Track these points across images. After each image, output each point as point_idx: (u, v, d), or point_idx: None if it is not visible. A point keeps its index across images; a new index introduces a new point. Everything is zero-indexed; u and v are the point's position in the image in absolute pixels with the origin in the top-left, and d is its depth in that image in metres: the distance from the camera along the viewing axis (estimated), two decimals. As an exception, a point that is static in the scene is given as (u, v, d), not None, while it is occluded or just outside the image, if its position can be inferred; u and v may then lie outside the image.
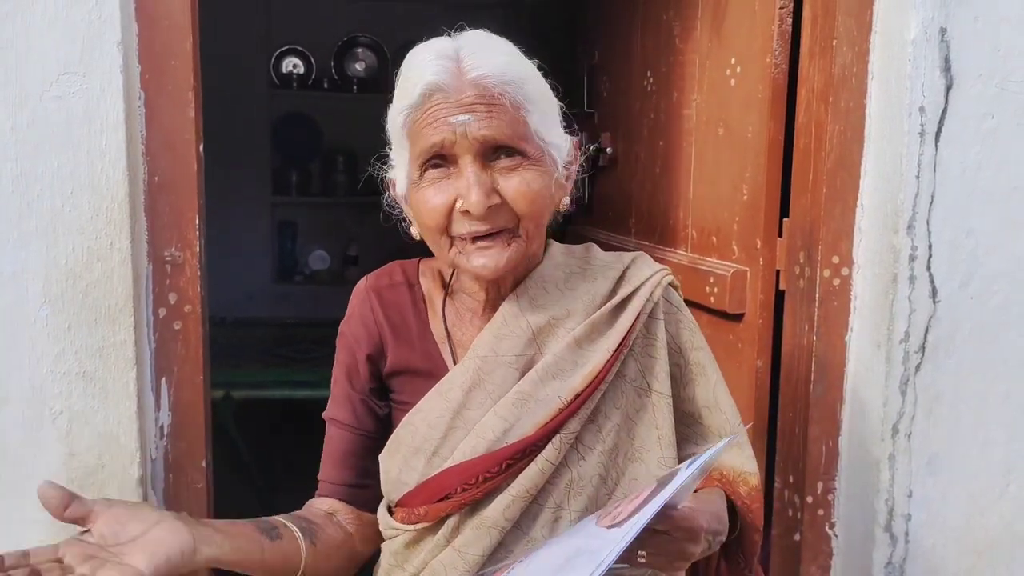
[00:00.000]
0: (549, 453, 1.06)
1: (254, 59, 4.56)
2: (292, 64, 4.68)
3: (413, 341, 1.16)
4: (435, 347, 1.16)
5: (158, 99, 1.41)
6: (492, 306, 1.14)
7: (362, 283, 1.21)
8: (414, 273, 1.21)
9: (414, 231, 1.14)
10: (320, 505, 1.20)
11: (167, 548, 0.91)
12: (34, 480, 1.40)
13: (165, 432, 1.47)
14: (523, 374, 1.09)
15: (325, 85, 4.67)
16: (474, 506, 1.07)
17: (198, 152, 1.44)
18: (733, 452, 1.19)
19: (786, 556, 1.68)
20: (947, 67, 1.47)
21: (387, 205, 1.18)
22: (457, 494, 1.06)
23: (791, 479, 1.67)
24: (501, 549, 1.07)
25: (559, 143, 1.09)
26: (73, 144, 1.35)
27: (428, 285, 1.20)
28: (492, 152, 1.03)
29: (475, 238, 1.04)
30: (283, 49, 4.66)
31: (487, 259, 1.04)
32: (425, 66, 1.04)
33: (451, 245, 1.06)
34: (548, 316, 1.11)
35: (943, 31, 1.46)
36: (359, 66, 4.76)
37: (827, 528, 1.64)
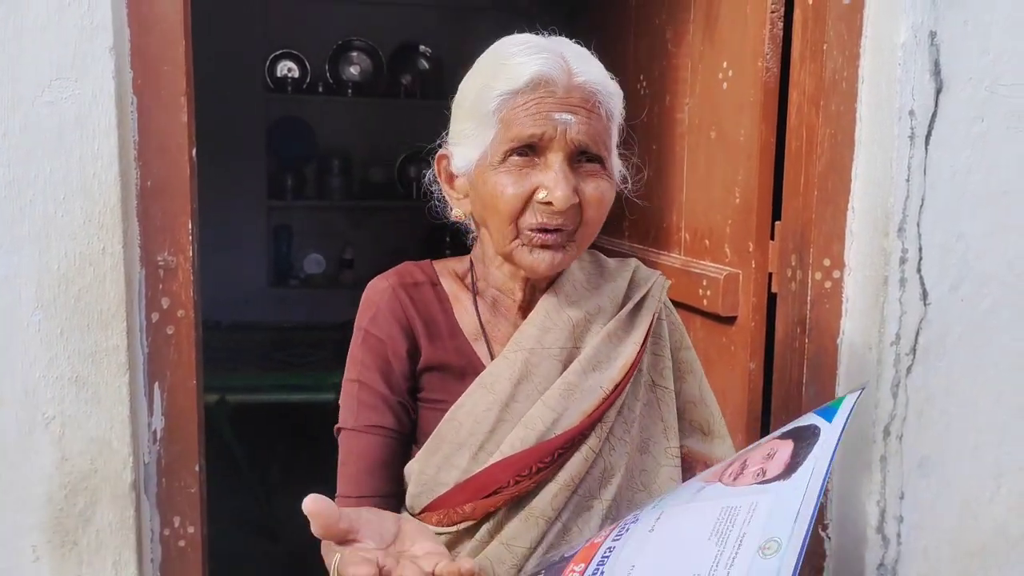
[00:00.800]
0: (592, 442, 1.09)
1: (249, 63, 4.57)
2: (287, 68, 4.69)
3: (444, 338, 1.15)
4: (467, 344, 1.15)
5: (151, 104, 1.41)
6: (527, 304, 1.16)
7: (381, 282, 1.17)
8: (432, 273, 1.20)
9: (456, 212, 1.15)
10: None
11: (426, 538, 0.88)
12: (27, 485, 1.41)
13: (158, 437, 1.47)
14: (565, 366, 1.11)
15: (320, 89, 4.68)
16: (520, 499, 1.07)
17: (191, 157, 1.44)
18: (716, 443, 1.23)
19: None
20: (937, 71, 1.48)
21: (428, 181, 1.19)
22: (509, 487, 1.06)
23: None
24: (542, 541, 1.08)
25: (617, 164, 1.15)
26: (65, 149, 1.35)
27: (449, 285, 1.19)
28: (578, 155, 1.06)
29: (543, 230, 1.05)
30: (278, 53, 4.67)
31: (546, 256, 1.06)
32: (533, 56, 1.05)
33: (515, 236, 1.07)
34: (584, 312, 1.15)
35: (933, 35, 1.47)
36: (354, 69, 4.77)
37: (820, 530, 1.65)
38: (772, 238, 1.66)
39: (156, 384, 1.46)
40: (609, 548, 0.93)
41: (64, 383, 1.39)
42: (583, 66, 1.06)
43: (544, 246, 1.06)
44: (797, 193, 1.62)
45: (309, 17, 4.65)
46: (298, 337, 4.08)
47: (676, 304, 1.90)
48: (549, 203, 1.03)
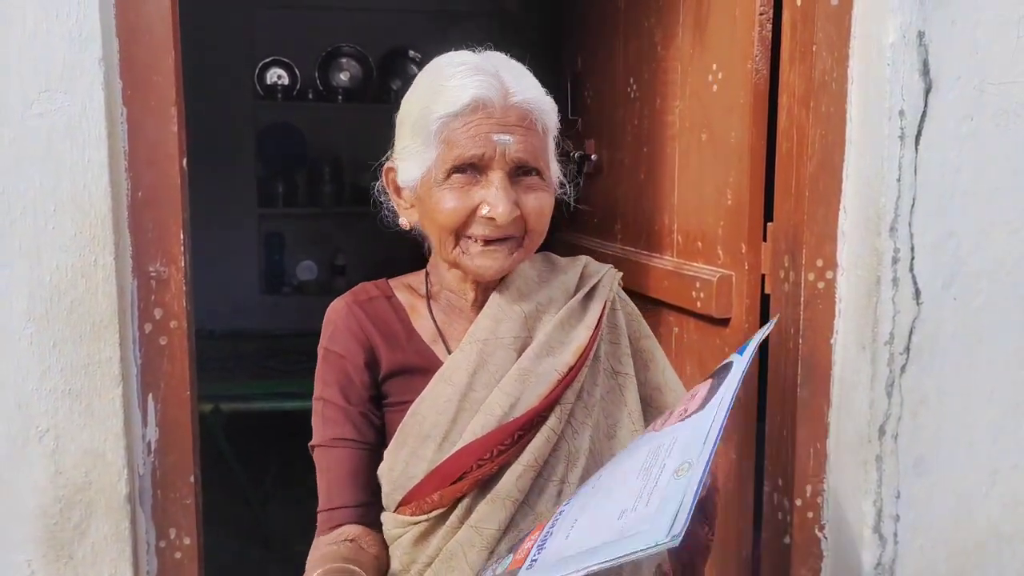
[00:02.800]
0: (552, 423, 1.13)
1: (238, 70, 4.56)
2: (276, 75, 4.68)
3: (403, 344, 1.20)
4: (425, 346, 1.20)
5: (141, 115, 1.41)
6: (481, 303, 1.20)
7: (338, 302, 1.23)
8: (387, 288, 1.25)
9: (403, 221, 1.21)
10: (340, 537, 1.16)
11: None
12: (21, 499, 1.40)
13: (152, 448, 1.46)
14: (519, 354, 1.16)
15: (310, 95, 4.68)
16: (486, 483, 1.11)
17: (182, 167, 1.44)
18: None
19: (776, 559, 1.68)
20: (926, 70, 1.49)
21: (375, 191, 1.26)
22: (472, 471, 1.10)
23: (780, 482, 1.68)
24: (511, 525, 1.11)
25: (555, 171, 1.21)
26: (55, 161, 1.35)
27: (404, 296, 1.24)
28: (517, 170, 1.12)
29: (487, 241, 1.12)
30: (267, 60, 4.66)
31: (492, 261, 1.13)
32: (469, 78, 1.10)
33: (455, 245, 1.13)
34: (535, 303, 1.20)
35: (921, 35, 1.47)
36: (343, 76, 4.77)
37: (817, 530, 1.65)
38: (764, 239, 1.67)
39: (150, 395, 1.45)
40: (560, 511, 1.00)
41: (57, 395, 1.38)
42: (518, 85, 1.12)
43: (489, 252, 1.12)
44: (789, 194, 1.62)
45: (298, 24, 4.64)
46: (292, 344, 4.06)
47: (670, 306, 1.92)
48: (492, 218, 1.10)
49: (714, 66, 1.77)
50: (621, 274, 1.29)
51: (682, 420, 0.99)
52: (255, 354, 3.97)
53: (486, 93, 1.09)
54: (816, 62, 1.55)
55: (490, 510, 1.10)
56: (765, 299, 1.67)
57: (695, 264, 1.86)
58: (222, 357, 3.72)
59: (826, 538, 1.65)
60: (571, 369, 1.15)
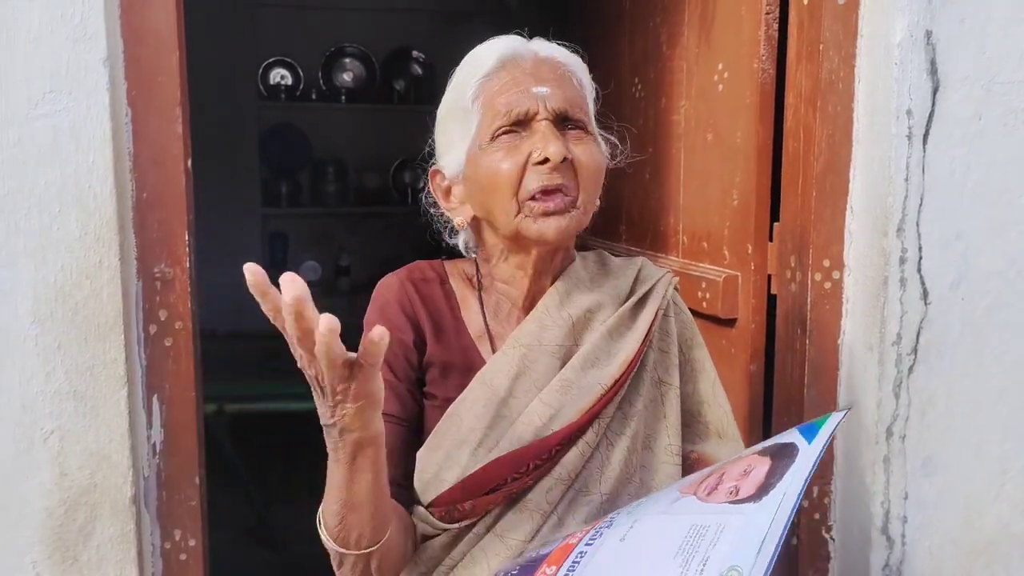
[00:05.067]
0: (589, 437, 1.11)
1: (242, 71, 4.56)
2: (280, 75, 4.68)
3: (449, 336, 1.17)
4: (471, 342, 1.18)
5: (145, 115, 1.40)
6: (531, 300, 1.18)
7: (391, 278, 1.20)
8: (443, 271, 1.23)
9: (458, 221, 1.17)
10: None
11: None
12: (26, 501, 1.40)
13: (158, 449, 1.46)
14: (563, 363, 1.13)
15: (313, 96, 4.67)
16: (517, 493, 1.09)
17: (186, 167, 1.43)
18: (729, 447, 1.22)
19: (783, 560, 1.67)
20: (933, 70, 1.48)
21: (425, 202, 1.22)
22: (507, 484, 1.08)
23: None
24: (537, 534, 1.09)
25: (599, 136, 1.18)
26: (60, 162, 1.35)
27: (457, 284, 1.21)
28: (560, 121, 1.10)
29: (544, 193, 1.07)
30: (271, 60, 4.66)
31: (552, 222, 1.08)
32: (497, 41, 1.13)
33: (518, 210, 1.09)
34: (584, 308, 1.16)
35: (929, 34, 1.47)
36: (347, 76, 4.76)
37: (824, 532, 1.64)
38: (771, 240, 1.66)
39: (155, 396, 1.45)
40: (581, 552, 0.94)
41: (62, 397, 1.38)
42: (545, 45, 1.14)
43: (547, 213, 1.08)
44: (795, 194, 1.61)
45: (301, 24, 4.64)
46: (295, 345, 4.06)
47: (676, 307, 1.91)
48: (544, 160, 1.06)
49: (720, 65, 1.76)
50: (677, 279, 1.26)
51: (733, 502, 0.89)
52: (259, 355, 3.96)
53: (514, 49, 1.11)
54: (823, 61, 1.54)
55: (518, 520, 1.08)
56: (772, 299, 1.67)
57: (701, 264, 1.85)
58: (226, 358, 3.70)
59: (833, 539, 1.64)
60: (615, 383, 1.12)
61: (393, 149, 4.77)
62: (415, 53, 4.82)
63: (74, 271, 1.36)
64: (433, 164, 1.20)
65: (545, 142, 1.07)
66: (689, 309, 1.80)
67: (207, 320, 1.70)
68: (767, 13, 1.61)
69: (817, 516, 1.64)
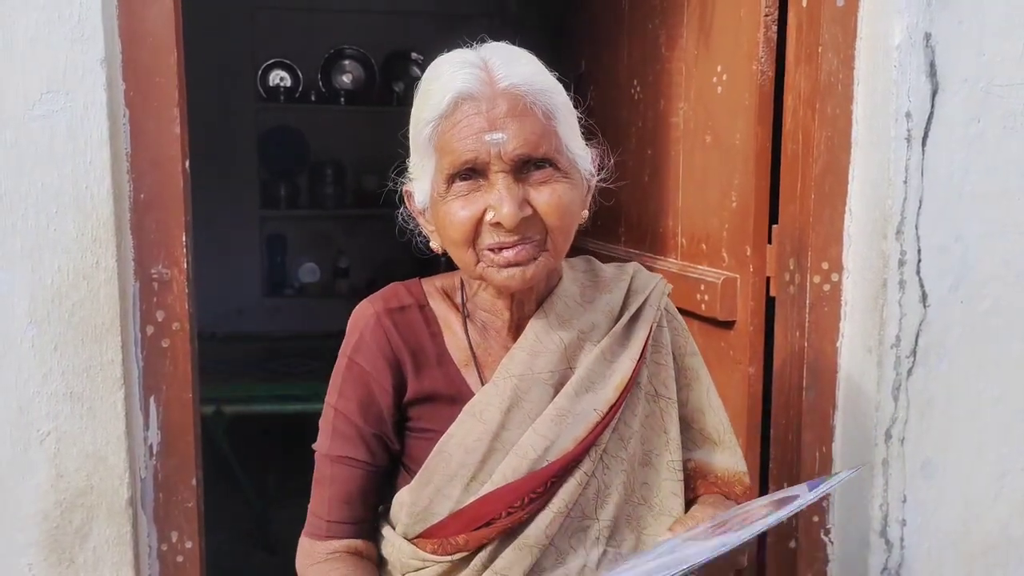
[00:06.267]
0: (586, 466, 1.06)
1: (240, 72, 4.55)
2: (279, 77, 4.68)
3: (432, 366, 1.11)
4: (456, 371, 1.11)
5: (143, 116, 1.40)
6: (517, 325, 1.11)
7: (367, 307, 1.13)
8: (420, 294, 1.15)
9: (434, 244, 1.10)
10: (348, 549, 1.13)
11: None
12: (22, 502, 1.39)
13: (154, 451, 1.45)
14: (556, 390, 1.08)
15: (312, 98, 4.67)
16: (513, 528, 1.05)
17: (184, 169, 1.43)
18: (726, 454, 1.20)
19: (782, 563, 1.67)
20: (932, 72, 1.48)
21: (402, 219, 1.15)
22: (501, 519, 1.04)
23: (785, 485, 1.67)
24: (535, 567, 1.06)
25: (582, 154, 1.08)
26: (57, 163, 1.34)
27: (438, 306, 1.14)
28: (524, 165, 1.01)
29: (502, 248, 1.01)
30: (270, 62, 4.66)
31: (516, 273, 1.01)
32: (452, 74, 1.01)
33: (477, 260, 1.03)
34: (576, 331, 1.10)
35: (928, 36, 1.47)
36: (346, 78, 4.76)
37: (822, 534, 1.64)
38: (769, 242, 1.66)
39: (152, 398, 1.44)
40: None
41: (59, 399, 1.38)
42: (506, 70, 1.01)
43: (510, 264, 1.01)
44: (794, 196, 1.61)
45: (301, 26, 4.64)
46: (293, 347, 4.05)
47: (674, 309, 1.90)
48: (499, 223, 0.99)
49: (719, 68, 1.76)
50: (670, 287, 1.20)
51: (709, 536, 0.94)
52: (257, 356, 3.96)
53: (469, 87, 0.99)
54: (822, 63, 1.54)
55: (516, 557, 1.05)
56: (770, 302, 1.66)
57: (699, 266, 1.85)
58: (223, 359, 3.71)
59: (832, 542, 1.64)
60: (611, 408, 1.08)
61: (392, 151, 4.76)
62: (414, 55, 4.82)
63: (71, 272, 1.36)
64: (408, 181, 1.13)
65: (500, 203, 0.98)
66: (688, 311, 1.81)
67: (205, 321, 1.70)
68: (766, 15, 1.61)
69: (815, 519, 1.63)
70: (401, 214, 1.15)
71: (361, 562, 1.12)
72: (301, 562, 1.15)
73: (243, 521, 3.48)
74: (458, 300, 1.14)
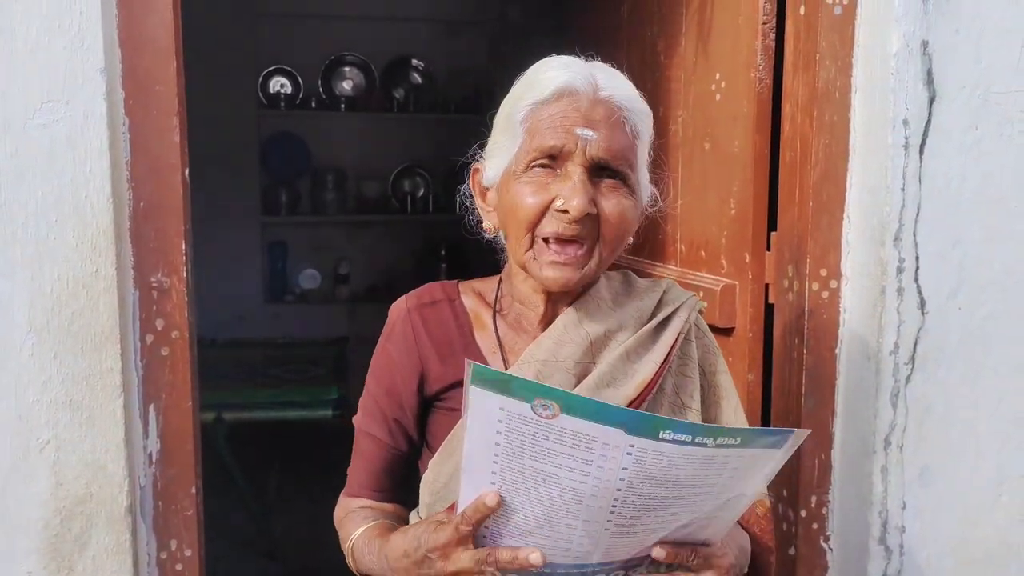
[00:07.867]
0: None
1: (241, 79, 4.57)
2: (280, 84, 4.69)
3: (458, 354, 1.16)
4: (482, 358, 1.17)
5: (143, 125, 1.41)
6: (549, 320, 1.16)
7: (402, 302, 1.21)
8: (454, 291, 1.22)
9: (487, 224, 1.18)
10: (378, 508, 1.23)
11: None
12: (22, 510, 1.39)
13: (154, 459, 1.45)
14: (578, 381, 1.11)
15: (313, 104, 4.68)
16: None
17: (184, 177, 1.43)
18: None
19: (782, 570, 1.67)
20: (930, 80, 1.48)
21: (461, 194, 1.21)
22: None
23: (784, 493, 1.67)
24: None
25: (646, 183, 1.16)
26: (57, 172, 1.35)
27: (471, 303, 1.21)
28: (598, 170, 1.07)
29: (559, 241, 1.07)
30: (271, 69, 4.67)
31: (559, 273, 1.08)
32: (562, 70, 1.08)
33: (530, 245, 1.09)
34: (604, 328, 1.14)
35: (925, 44, 1.47)
36: (347, 85, 4.78)
37: (822, 541, 1.64)
38: (768, 249, 1.66)
39: (151, 406, 1.44)
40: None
41: (58, 407, 1.38)
42: (611, 82, 1.09)
43: (556, 263, 1.07)
44: (792, 204, 1.61)
45: (301, 33, 4.65)
46: (294, 353, 4.06)
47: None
48: (565, 211, 1.05)
49: (717, 75, 1.76)
50: (704, 305, 1.23)
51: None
52: (258, 363, 3.97)
53: (574, 83, 1.06)
54: (819, 71, 1.54)
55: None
56: (769, 308, 1.67)
57: (698, 273, 1.85)
58: (225, 366, 3.71)
59: (831, 549, 1.64)
60: (631, 404, 1.10)
61: (392, 157, 4.78)
62: (415, 62, 4.83)
63: (71, 281, 1.36)
64: (480, 159, 1.19)
65: (572, 192, 1.05)
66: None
67: (206, 327, 1.71)
68: (764, 23, 1.62)
69: (815, 526, 1.63)
70: (464, 189, 1.21)
71: (389, 516, 1.20)
72: (337, 514, 1.26)
73: (243, 528, 3.48)
74: (490, 299, 1.20)
